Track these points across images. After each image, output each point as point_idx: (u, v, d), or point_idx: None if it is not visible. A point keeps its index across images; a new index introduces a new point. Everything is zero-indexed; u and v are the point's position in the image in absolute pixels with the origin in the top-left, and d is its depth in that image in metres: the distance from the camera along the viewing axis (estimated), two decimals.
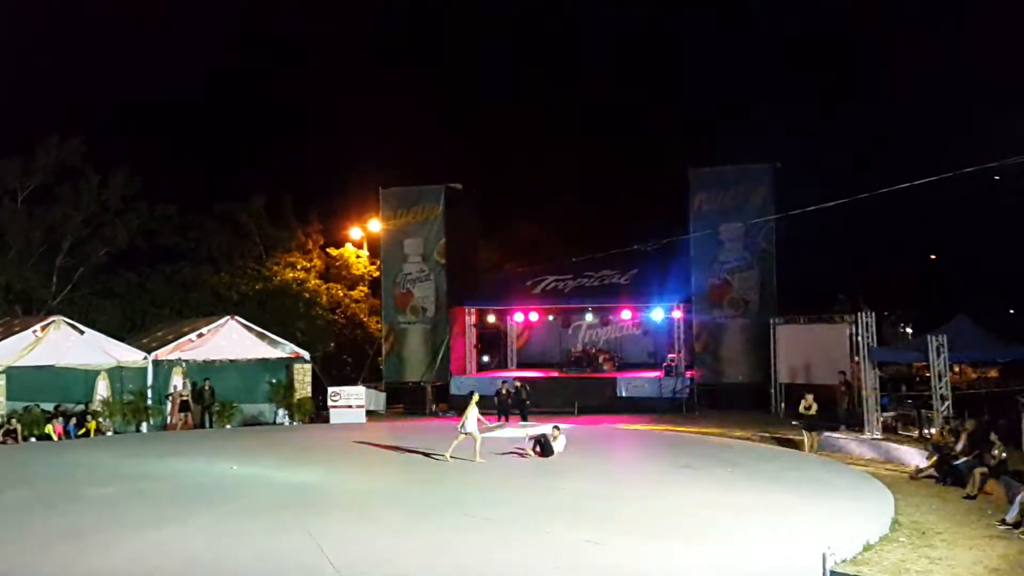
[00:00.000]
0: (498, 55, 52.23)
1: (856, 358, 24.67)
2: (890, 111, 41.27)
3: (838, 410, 24.86)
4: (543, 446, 19.98)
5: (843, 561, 11.13)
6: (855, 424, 23.52)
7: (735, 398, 30.42)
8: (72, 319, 27.26)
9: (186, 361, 27.96)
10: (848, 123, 41.49)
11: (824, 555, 10.60)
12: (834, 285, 37.20)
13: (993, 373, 28.57)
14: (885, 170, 29.83)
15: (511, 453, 20.14)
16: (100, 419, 25.66)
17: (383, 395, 33.74)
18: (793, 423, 24.17)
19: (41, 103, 38.94)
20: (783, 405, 28.47)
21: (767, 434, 24.16)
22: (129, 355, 27.12)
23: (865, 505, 14.45)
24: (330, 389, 29.45)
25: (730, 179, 31.78)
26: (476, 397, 19.63)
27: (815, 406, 21.47)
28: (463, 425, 19.09)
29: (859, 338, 24.07)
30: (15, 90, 38.61)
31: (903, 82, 40.51)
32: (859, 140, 41.00)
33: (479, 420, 19.41)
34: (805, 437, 21.59)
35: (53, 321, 26.33)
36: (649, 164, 41.04)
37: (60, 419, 24.83)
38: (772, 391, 29.31)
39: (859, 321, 23.93)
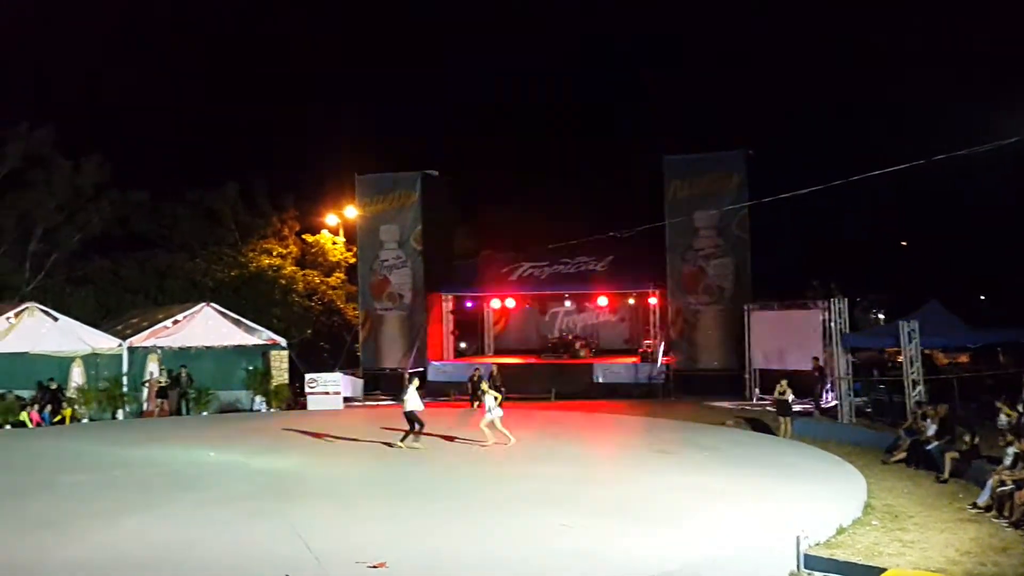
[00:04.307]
0: (471, 44, 52.03)
1: (829, 344, 24.92)
2: (864, 94, 41.52)
3: (812, 396, 25.14)
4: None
5: (817, 544, 11.33)
6: (828, 409, 23.79)
7: (710, 383, 30.60)
8: (46, 306, 27.04)
9: (161, 348, 27.83)
10: (822, 110, 41.69)
11: (798, 538, 10.81)
12: (807, 271, 37.51)
13: (964, 358, 28.94)
14: (858, 156, 29.99)
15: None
16: (76, 406, 25.51)
17: (360, 382, 33.73)
18: (767, 408, 24.42)
19: (9, 89, 38.38)
20: (757, 390, 28.73)
21: (742, 419, 24.39)
22: (104, 342, 26.95)
23: (838, 489, 14.65)
24: (307, 376, 29.38)
25: (704, 166, 31.89)
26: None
27: (789, 391, 21.71)
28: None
29: (832, 324, 24.33)
30: None
31: (875, 65, 40.76)
32: (833, 126, 41.23)
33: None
34: (780, 422, 21.82)
35: (27, 308, 26.13)
36: (625, 151, 41.09)
37: (35, 405, 24.67)
38: (747, 376, 29.55)
39: (832, 307, 24.18)
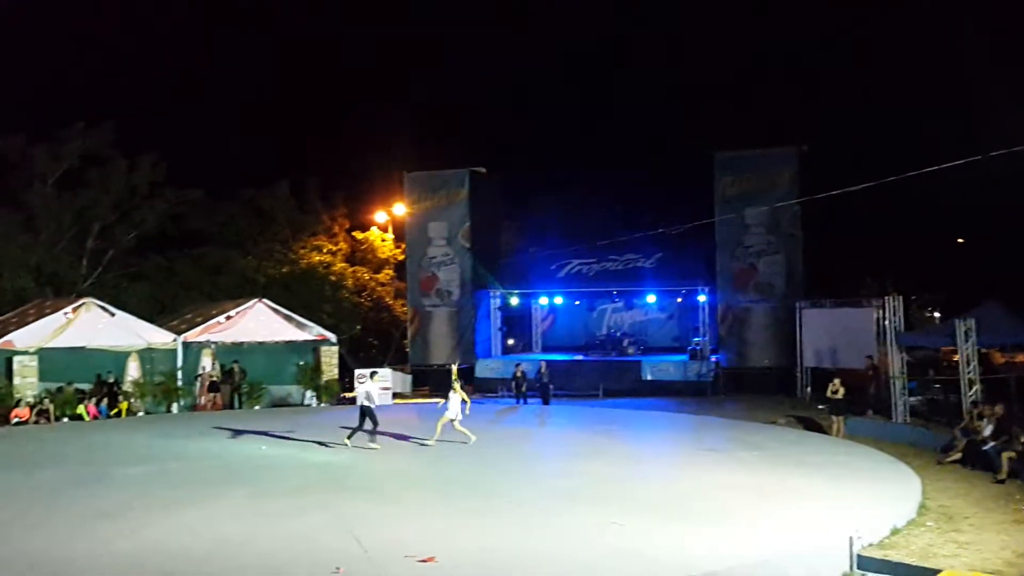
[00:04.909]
0: (521, 42, 52.08)
1: (883, 343, 24.51)
2: (918, 90, 40.73)
3: (865, 395, 24.76)
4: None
5: (870, 545, 11.15)
6: (882, 409, 23.42)
7: (760, 382, 30.37)
8: (103, 301, 27.58)
9: (215, 343, 28.26)
10: (878, 104, 40.98)
11: (851, 539, 10.65)
12: (861, 269, 36.93)
13: (1021, 357, 28.28)
14: (914, 151, 29.42)
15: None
16: (132, 400, 26.02)
17: (409, 377, 33.97)
18: (820, 407, 24.11)
19: (67, 88, 39.25)
20: (809, 389, 28.37)
21: (793, 417, 24.11)
22: (159, 337, 27.43)
23: (892, 489, 14.40)
24: (356, 371, 29.65)
25: (756, 163, 31.62)
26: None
27: (842, 390, 21.39)
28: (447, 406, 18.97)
29: (886, 322, 23.95)
30: (41, 75, 39.07)
31: (932, 60, 39.96)
32: (888, 121, 40.48)
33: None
34: (832, 421, 21.51)
35: (84, 303, 26.67)
36: (676, 147, 40.79)
37: (93, 399, 25.21)
38: (798, 375, 29.21)
39: (886, 305, 23.79)
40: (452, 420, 18.81)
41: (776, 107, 40.69)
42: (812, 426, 22.74)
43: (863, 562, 10.46)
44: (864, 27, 42.74)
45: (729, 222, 31.32)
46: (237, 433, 20.64)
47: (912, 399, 23.37)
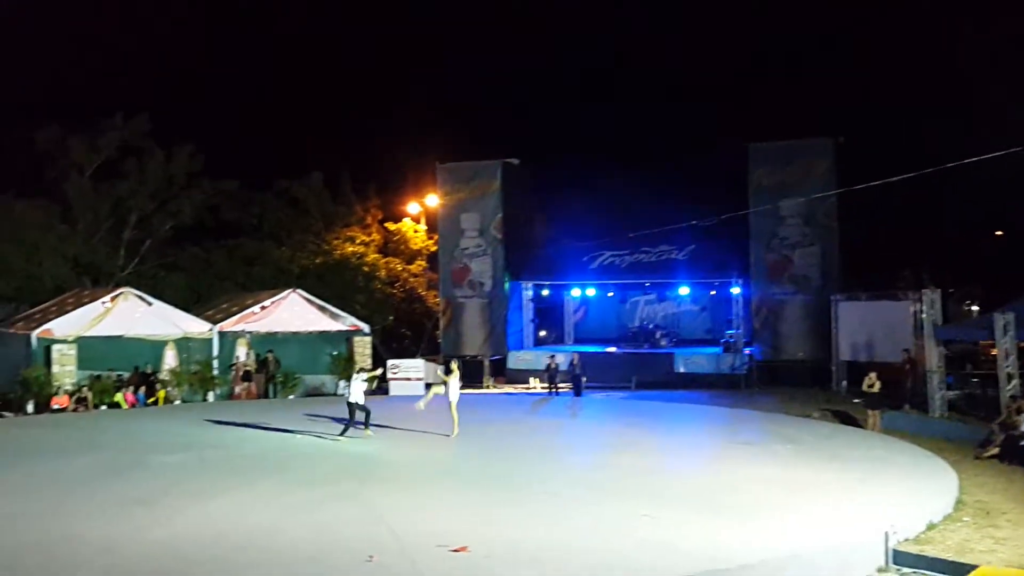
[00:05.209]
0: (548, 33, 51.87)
1: (920, 336, 24.22)
2: (958, 79, 40.05)
3: (902, 389, 24.50)
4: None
5: (905, 540, 11.05)
6: (919, 403, 23.16)
7: (795, 375, 30.13)
8: (140, 291, 27.95)
9: (250, 333, 28.54)
10: (913, 94, 40.34)
11: (887, 533, 10.57)
12: (897, 261, 36.48)
13: None
14: (953, 141, 28.96)
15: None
16: (168, 388, 26.36)
17: (441, 368, 33.99)
18: (855, 401, 23.89)
19: (105, 79, 39.76)
20: (845, 383, 28.11)
21: (828, 411, 23.91)
22: (196, 326, 27.76)
23: (928, 484, 14.24)
24: (389, 362, 29.79)
25: (791, 154, 31.34)
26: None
27: (878, 384, 21.19)
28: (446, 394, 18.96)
29: (923, 315, 23.67)
30: (78, 65, 39.61)
31: (971, 49, 39.26)
32: (924, 110, 39.86)
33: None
34: (868, 415, 21.31)
35: (122, 293, 27.06)
36: (708, 138, 40.46)
37: (131, 387, 25.57)
38: (833, 368, 28.95)
39: (924, 298, 23.50)
40: (451, 403, 18.78)
41: (811, 98, 40.20)
42: (847, 420, 22.53)
43: (898, 557, 10.38)
44: (899, 19, 42.10)
45: (763, 214, 31.08)
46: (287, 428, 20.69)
47: (949, 393, 23.09)
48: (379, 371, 20.86)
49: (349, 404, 18.77)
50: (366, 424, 18.68)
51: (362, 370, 20.65)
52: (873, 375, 21.54)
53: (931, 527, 11.87)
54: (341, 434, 18.66)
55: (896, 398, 23.51)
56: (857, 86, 40.43)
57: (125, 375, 26.00)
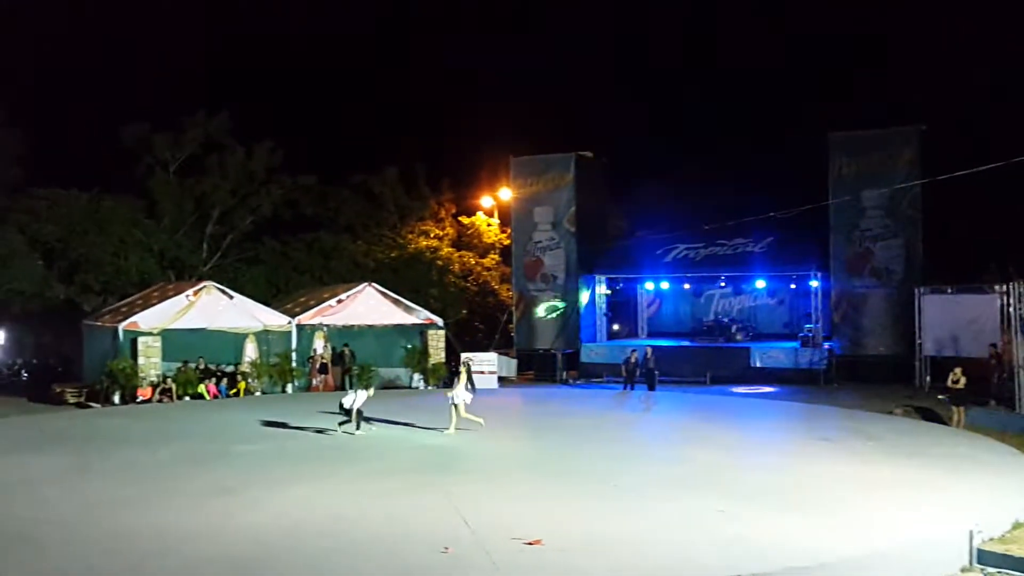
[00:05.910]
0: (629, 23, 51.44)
1: (1008, 330, 23.46)
2: None
3: (988, 385, 23.78)
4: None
5: (990, 539, 10.74)
6: (1005, 399, 22.46)
7: (876, 370, 29.46)
8: (222, 285, 28.65)
9: (327, 326, 29.02)
10: (1002, 80, 38.98)
11: (971, 532, 10.29)
12: (984, 254, 35.34)
13: None
14: None
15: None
16: (249, 380, 26.99)
17: (514, 362, 34.18)
18: (939, 397, 23.26)
19: (188, 77, 40.78)
20: (928, 379, 27.40)
21: (911, 407, 23.33)
22: (275, 319, 28.33)
23: (1015, 482, 13.78)
24: (463, 355, 29.98)
25: (873, 143, 30.58)
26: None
27: (963, 380, 20.60)
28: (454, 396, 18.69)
29: (1011, 309, 22.93)
30: (162, 64, 40.74)
31: None
32: (1013, 97, 38.50)
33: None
34: (953, 412, 20.74)
35: (204, 286, 27.76)
36: (788, 128, 39.70)
37: (213, 379, 26.26)
38: (916, 363, 28.23)
39: (1011, 291, 22.77)
40: (456, 405, 18.53)
41: (895, 86, 39.15)
42: (931, 417, 21.95)
43: (983, 556, 10.12)
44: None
45: (844, 205, 30.43)
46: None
47: None
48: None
49: (346, 410, 18.43)
50: (367, 421, 18.40)
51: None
52: (958, 370, 20.96)
53: (1017, 526, 11.49)
54: (357, 429, 18.37)
55: (982, 394, 22.85)
56: (943, 72, 39.22)
57: (212, 366, 26.67)
